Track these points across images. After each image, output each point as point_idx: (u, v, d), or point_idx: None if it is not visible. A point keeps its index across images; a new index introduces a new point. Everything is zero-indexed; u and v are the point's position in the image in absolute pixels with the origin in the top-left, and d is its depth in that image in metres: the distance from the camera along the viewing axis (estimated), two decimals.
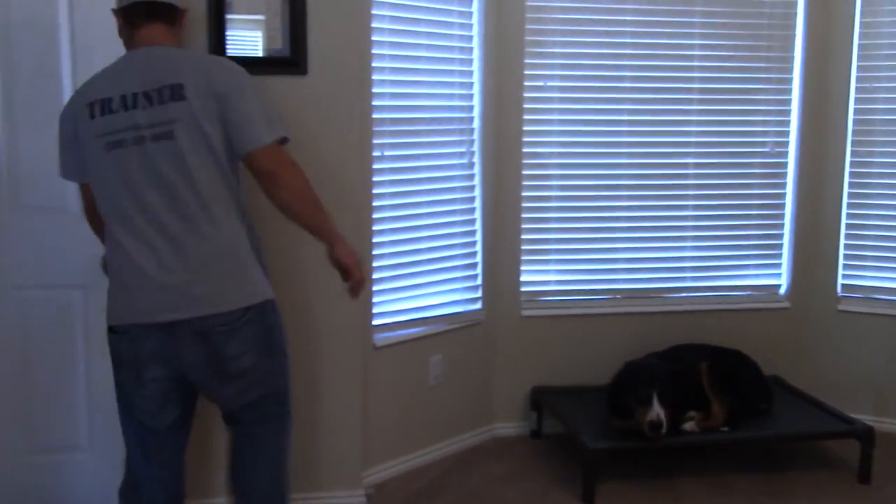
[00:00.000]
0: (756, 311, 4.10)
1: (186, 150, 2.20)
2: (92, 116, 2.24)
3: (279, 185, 2.25)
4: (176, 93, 2.20)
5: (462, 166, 3.68)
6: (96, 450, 3.03)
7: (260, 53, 2.97)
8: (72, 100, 2.35)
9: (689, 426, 3.47)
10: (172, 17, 2.37)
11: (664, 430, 3.27)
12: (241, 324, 2.25)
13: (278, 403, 2.41)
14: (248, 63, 2.90)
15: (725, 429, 3.49)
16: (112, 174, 2.24)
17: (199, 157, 2.21)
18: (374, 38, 3.24)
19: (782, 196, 4.09)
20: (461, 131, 3.66)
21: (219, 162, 2.24)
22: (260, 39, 2.97)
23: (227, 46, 2.92)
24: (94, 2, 2.76)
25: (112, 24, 2.40)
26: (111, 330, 2.32)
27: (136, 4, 2.31)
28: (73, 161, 2.35)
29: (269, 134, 2.25)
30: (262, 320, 2.31)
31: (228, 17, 2.90)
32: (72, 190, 2.64)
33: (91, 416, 3.01)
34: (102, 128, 2.23)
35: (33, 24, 2.82)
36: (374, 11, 3.23)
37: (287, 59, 2.98)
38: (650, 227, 4.00)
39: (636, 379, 3.39)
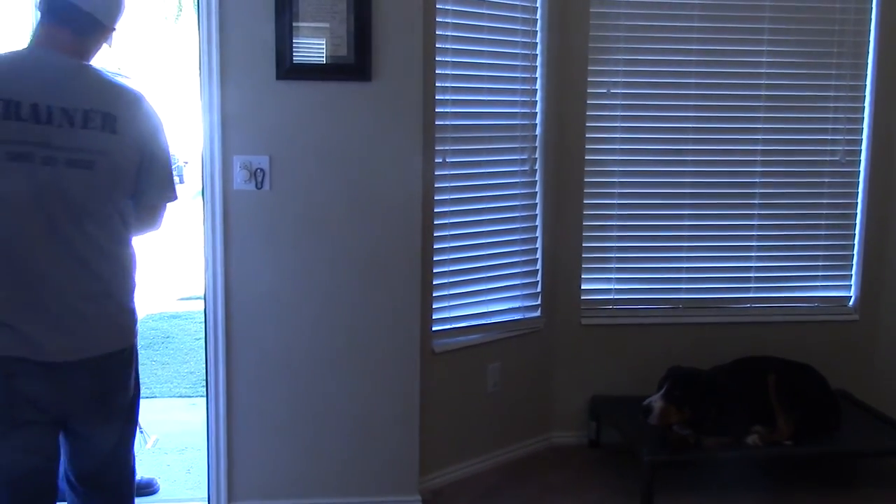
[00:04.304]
0: (823, 323, 4.01)
1: (102, 184, 2.08)
2: None
3: (144, 228, 2.29)
4: (108, 124, 2.07)
5: (523, 173, 3.67)
6: None
7: (324, 60, 3.01)
8: None
9: (751, 440, 3.41)
10: (88, 30, 2.14)
11: (652, 419, 3.31)
12: (125, 359, 2.21)
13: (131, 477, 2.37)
14: (312, 70, 3.00)
15: (789, 443, 3.42)
16: (14, 187, 2.01)
17: (111, 192, 2.11)
18: (437, 45, 3.26)
19: (852, 206, 3.99)
20: (523, 138, 3.65)
21: (123, 198, 2.16)
22: (325, 47, 3.01)
23: (294, 53, 2.96)
24: None
25: None
26: None
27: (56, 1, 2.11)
28: None
29: (168, 196, 2.26)
30: (134, 361, 2.27)
31: (295, 24, 2.95)
32: None
33: None
34: (5, 133, 2.00)
35: None
36: (438, 19, 3.25)
37: (351, 66, 3.01)
38: (714, 236, 3.93)
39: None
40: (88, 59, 2.18)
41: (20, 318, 2.04)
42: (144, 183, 2.19)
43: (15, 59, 2.10)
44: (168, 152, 2.24)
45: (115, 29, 2.23)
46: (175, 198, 2.29)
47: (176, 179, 2.29)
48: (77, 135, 2.04)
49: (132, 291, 2.22)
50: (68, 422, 2.17)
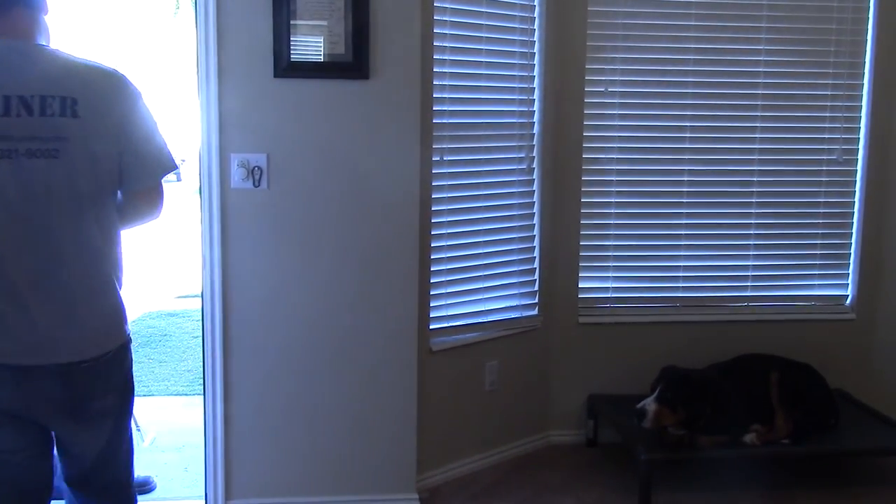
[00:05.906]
0: (820, 322, 4.01)
1: (71, 173, 1.93)
2: None
3: (140, 217, 2.15)
4: (68, 108, 1.91)
5: (521, 171, 3.67)
6: None
7: (321, 58, 3.01)
8: None
9: (749, 438, 3.41)
10: (31, 3, 2.01)
11: (646, 423, 3.30)
12: (102, 362, 2.03)
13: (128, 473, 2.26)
14: (310, 68, 2.99)
15: (787, 441, 3.43)
16: None
17: (83, 180, 1.95)
18: (435, 43, 3.26)
19: (850, 205, 3.99)
20: (521, 136, 3.65)
21: (102, 188, 2.00)
22: (322, 44, 3.01)
23: (292, 51, 2.96)
24: None
25: None
26: None
27: None
28: None
29: (162, 171, 2.08)
30: (123, 360, 2.12)
31: (293, 22, 2.94)
32: None
33: None
34: None
35: None
36: (436, 17, 3.25)
37: (349, 64, 3.00)
38: (711, 235, 3.93)
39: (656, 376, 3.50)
40: (40, 38, 2.04)
41: None
42: (131, 165, 2.02)
43: None
44: (151, 125, 2.05)
45: None
46: (174, 166, 2.10)
47: (169, 149, 2.10)
48: (35, 123, 1.90)
49: (114, 290, 2.06)
50: (48, 426, 2.07)
